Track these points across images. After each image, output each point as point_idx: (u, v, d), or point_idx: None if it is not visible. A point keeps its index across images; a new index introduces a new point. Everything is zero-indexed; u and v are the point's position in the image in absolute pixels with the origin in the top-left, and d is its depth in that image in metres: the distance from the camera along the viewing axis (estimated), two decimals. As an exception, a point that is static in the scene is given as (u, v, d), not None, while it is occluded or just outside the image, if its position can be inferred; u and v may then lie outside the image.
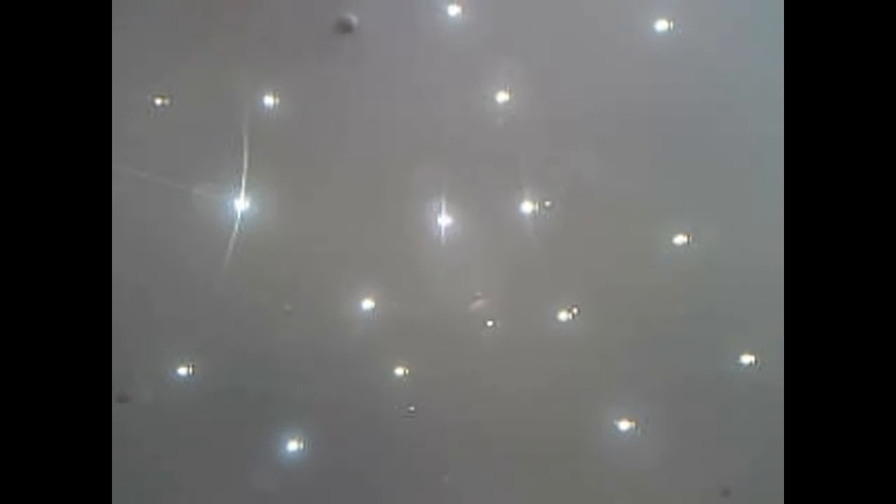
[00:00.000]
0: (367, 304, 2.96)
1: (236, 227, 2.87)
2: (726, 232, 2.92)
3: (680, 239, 2.93)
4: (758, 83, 2.81)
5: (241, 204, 2.89)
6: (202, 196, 2.87)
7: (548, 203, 2.92)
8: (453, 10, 2.84)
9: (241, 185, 2.86)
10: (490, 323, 2.98)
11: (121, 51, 2.07)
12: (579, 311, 2.96)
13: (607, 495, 2.97)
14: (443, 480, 2.99)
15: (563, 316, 2.97)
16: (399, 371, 2.99)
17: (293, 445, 2.94)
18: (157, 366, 2.93)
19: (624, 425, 2.94)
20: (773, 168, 2.15)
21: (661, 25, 2.84)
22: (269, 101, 2.90)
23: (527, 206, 2.93)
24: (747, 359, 2.93)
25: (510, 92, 2.88)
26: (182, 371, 2.93)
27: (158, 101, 2.84)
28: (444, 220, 2.94)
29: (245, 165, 2.82)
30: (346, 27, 2.90)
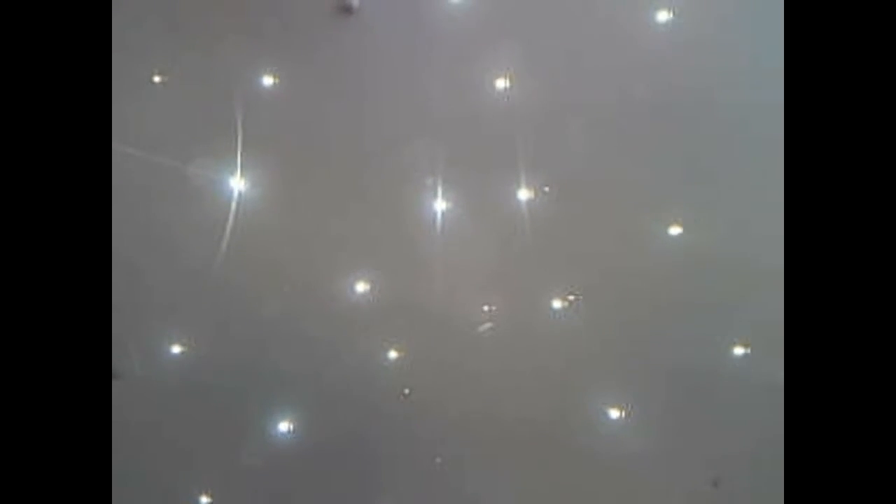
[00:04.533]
0: (362, 286, 2.96)
1: (233, 206, 2.88)
2: (725, 222, 2.92)
3: (676, 228, 2.93)
4: (758, 74, 2.82)
5: (238, 183, 2.89)
6: (199, 174, 2.87)
7: (546, 188, 2.92)
8: (455, -4, 2.83)
9: (237, 164, 2.86)
10: (486, 308, 2.98)
11: (120, 30, 2.07)
12: (574, 299, 2.97)
13: (596, 480, 2.98)
14: (436, 462, 3.00)
15: (558, 304, 2.98)
16: (393, 354, 2.99)
17: (284, 426, 2.95)
18: (151, 342, 2.94)
19: (614, 413, 2.95)
20: (773, 158, 2.16)
21: (663, 15, 2.87)
22: (267, 81, 2.90)
23: (524, 193, 2.93)
24: (740, 350, 2.94)
25: (509, 77, 2.88)
26: (175, 349, 2.93)
27: (157, 79, 2.84)
28: (441, 205, 2.94)
29: (240, 145, 2.82)
30: (347, 9, 2.90)
